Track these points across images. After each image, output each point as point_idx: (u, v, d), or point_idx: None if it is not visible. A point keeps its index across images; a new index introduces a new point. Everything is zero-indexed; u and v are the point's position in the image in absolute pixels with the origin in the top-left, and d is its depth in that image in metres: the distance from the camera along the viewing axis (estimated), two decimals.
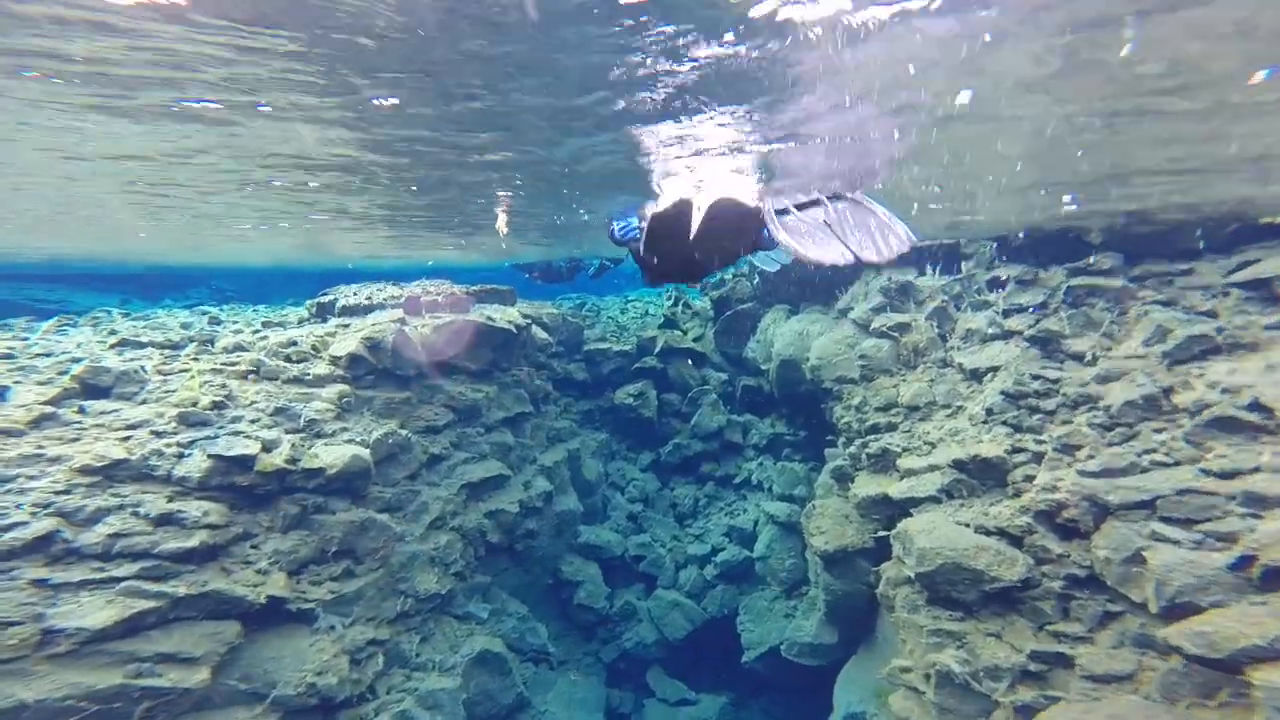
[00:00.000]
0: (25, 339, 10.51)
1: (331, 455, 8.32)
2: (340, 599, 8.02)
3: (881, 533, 8.51)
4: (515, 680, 9.97)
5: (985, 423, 7.84)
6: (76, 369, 8.35)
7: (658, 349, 15.90)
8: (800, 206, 4.49)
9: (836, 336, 12.53)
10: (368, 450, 8.91)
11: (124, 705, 6.14)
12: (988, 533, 6.61)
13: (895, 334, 10.29)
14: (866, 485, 9.00)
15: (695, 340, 16.99)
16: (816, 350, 12.66)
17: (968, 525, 6.82)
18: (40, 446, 7.30)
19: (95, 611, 6.22)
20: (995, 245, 10.21)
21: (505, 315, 12.56)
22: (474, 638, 9.83)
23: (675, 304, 18.95)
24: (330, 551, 8.14)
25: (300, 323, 11.17)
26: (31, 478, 7.03)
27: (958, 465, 7.57)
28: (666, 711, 11.54)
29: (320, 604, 7.75)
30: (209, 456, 7.44)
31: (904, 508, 8.11)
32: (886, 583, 7.95)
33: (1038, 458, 6.94)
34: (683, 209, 4.09)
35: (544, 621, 12.50)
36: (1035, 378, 7.63)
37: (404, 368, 10.51)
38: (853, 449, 9.76)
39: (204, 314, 11.97)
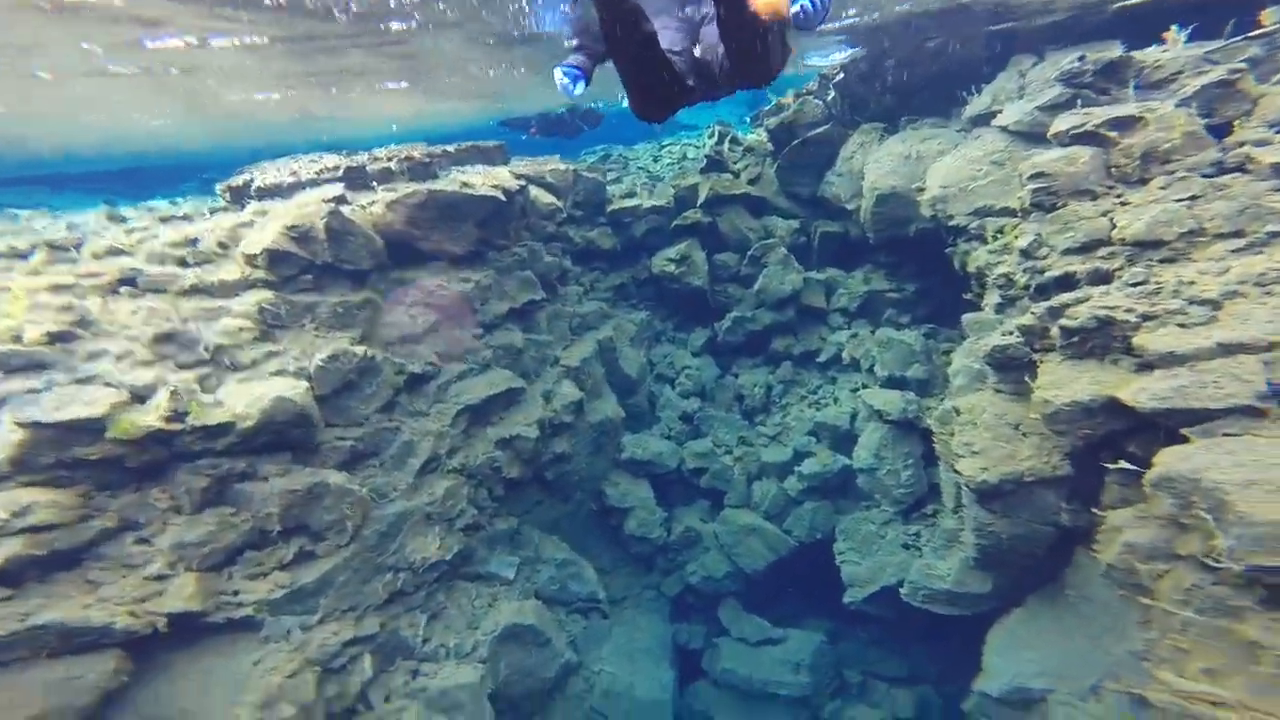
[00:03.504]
0: None
1: (243, 401, 5.50)
2: (297, 593, 5.63)
3: (1113, 465, 5.29)
4: (557, 648, 7.84)
5: None
6: None
7: (702, 199, 12.10)
8: None
9: (972, 154, 8.53)
10: (306, 384, 6.07)
11: None
12: None
13: (1109, 134, 6.27)
14: (1066, 380, 5.65)
15: (751, 183, 13.00)
16: (940, 175, 8.74)
17: None
18: None
19: None
20: None
21: (489, 179, 8.98)
22: (499, 605, 7.57)
23: (720, 141, 14.68)
24: (273, 532, 5.62)
25: (212, 214, 7.92)
26: None
27: None
28: (746, 653, 9.48)
29: (265, 605, 5.37)
30: (21, 425, 4.71)
31: (1160, 423, 4.81)
32: (1128, 551, 4.90)
33: None
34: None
35: (595, 554, 10.31)
36: None
37: (356, 260, 7.35)
38: (1028, 318, 6.28)
39: (107, 209, 8.79)
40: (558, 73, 3.99)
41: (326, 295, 7.01)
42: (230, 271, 6.41)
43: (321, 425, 6.20)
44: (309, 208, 6.86)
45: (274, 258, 6.59)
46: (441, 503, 7.27)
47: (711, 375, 11.92)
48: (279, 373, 5.99)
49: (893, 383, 9.51)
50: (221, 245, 6.72)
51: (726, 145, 14.34)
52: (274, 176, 7.87)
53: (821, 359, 11.19)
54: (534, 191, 10.13)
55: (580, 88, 3.86)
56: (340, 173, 7.94)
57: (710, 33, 3.37)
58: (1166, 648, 4.53)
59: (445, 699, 6.39)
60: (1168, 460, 4.49)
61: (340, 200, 7.24)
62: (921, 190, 9.29)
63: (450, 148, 9.64)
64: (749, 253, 11.79)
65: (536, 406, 8.89)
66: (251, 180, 7.98)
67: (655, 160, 17.14)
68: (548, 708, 8.14)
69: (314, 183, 7.77)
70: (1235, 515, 3.85)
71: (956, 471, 6.68)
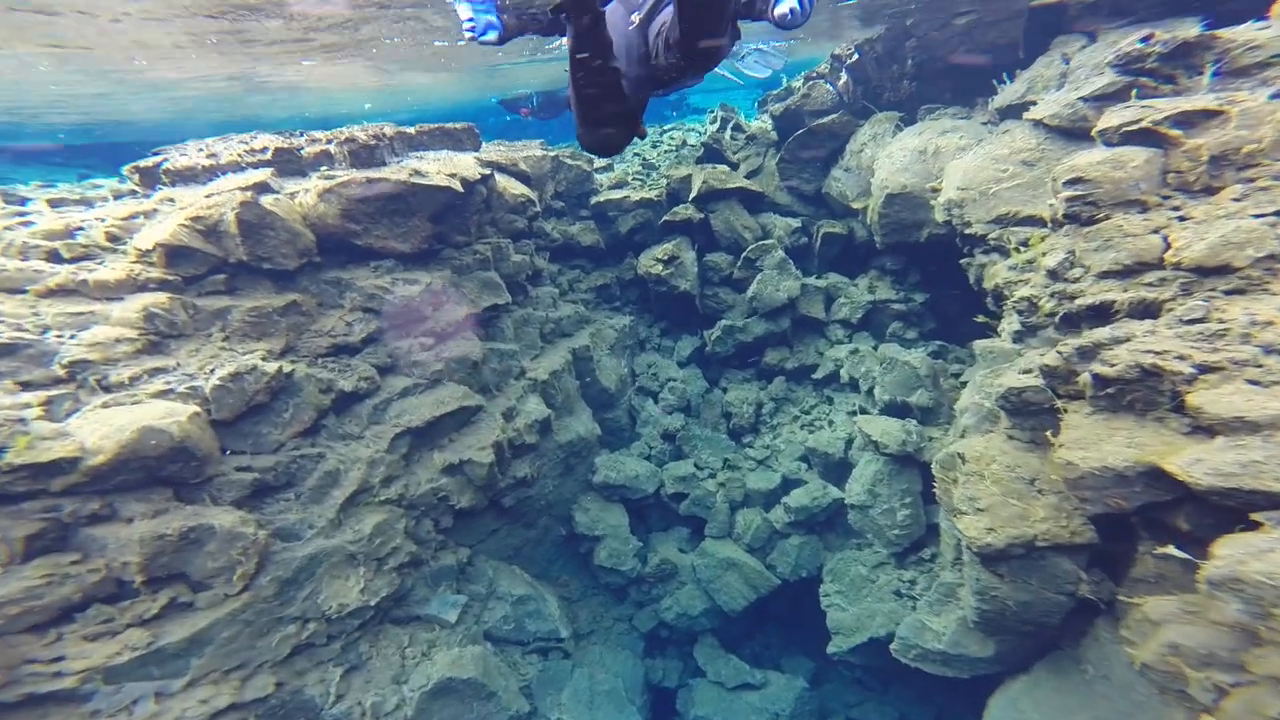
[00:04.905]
0: None
1: (99, 433, 4.63)
2: (155, 655, 4.78)
3: (1159, 550, 4.28)
4: (504, 700, 7.01)
5: None
6: None
7: (694, 193, 11.03)
8: None
9: (998, 151, 7.41)
10: (194, 409, 5.20)
11: None
12: None
13: (1172, 132, 5.15)
14: (1096, 439, 4.62)
15: (750, 175, 11.91)
16: (959, 175, 7.63)
17: None
18: None
19: None
20: None
21: (449, 166, 8.01)
22: (435, 654, 6.73)
23: (721, 127, 13.58)
24: (133, 584, 4.78)
25: (117, 199, 7.04)
26: None
27: None
28: (722, 698, 8.62)
29: (101, 672, 4.51)
30: None
31: (1218, 502, 3.79)
32: (1172, 652, 3.93)
33: None
34: None
35: (562, 581, 9.48)
36: None
37: (277, 258, 6.45)
38: (1052, 357, 5.22)
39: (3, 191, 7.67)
40: (466, 7, 3.40)
41: (240, 299, 6.13)
42: (114, 270, 5.53)
43: (215, 456, 5.35)
44: (220, 196, 5.96)
45: (172, 254, 5.71)
46: (369, 540, 6.41)
47: (698, 389, 10.94)
48: (164, 393, 5.12)
49: (893, 409, 8.47)
50: (112, 238, 5.84)
51: (728, 133, 13.24)
52: (190, 158, 6.95)
53: (818, 375, 10.17)
54: (501, 182, 9.14)
55: (491, 37, 3.44)
56: (269, 156, 7.00)
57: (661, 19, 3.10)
58: (1154, 709, 3.58)
59: None
60: (1234, 555, 3.49)
61: (261, 188, 6.33)
62: (936, 191, 8.19)
63: (410, 129, 8.68)
64: (743, 254, 10.74)
65: (494, 427, 7.97)
66: (164, 161, 7.05)
67: (654, 146, 16.04)
68: None
69: (236, 167, 6.85)
70: None
71: (964, 537, 5.68)
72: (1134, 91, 5.76)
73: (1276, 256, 4.27)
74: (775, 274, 10.42)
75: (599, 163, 13.83)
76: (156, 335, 5.52)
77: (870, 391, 9.09)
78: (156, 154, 7.32)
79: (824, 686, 9.36)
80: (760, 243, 10.65)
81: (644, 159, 14.84)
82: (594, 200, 11.65)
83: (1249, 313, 4.17)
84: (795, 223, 11.12)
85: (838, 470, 8.92)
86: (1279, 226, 4.32)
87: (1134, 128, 5.20)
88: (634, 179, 13.34)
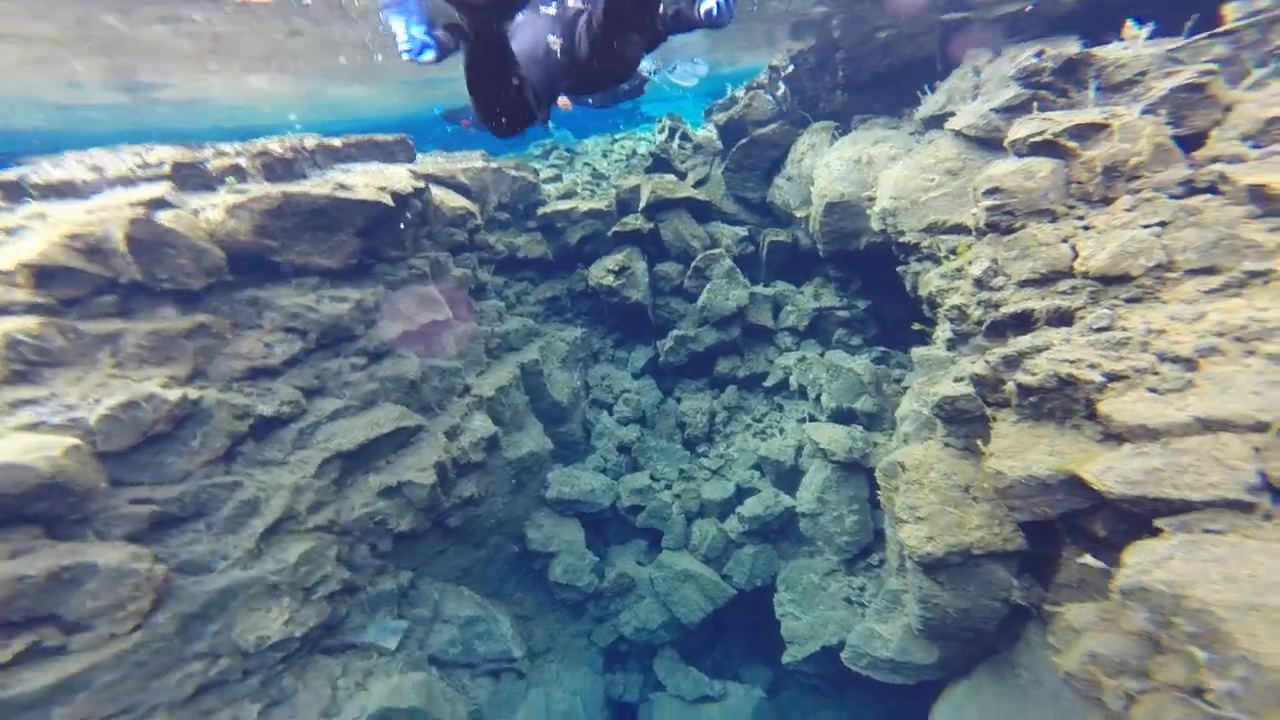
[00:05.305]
0: None
1: None
2: (8, 706, 4.41)
3: (1079, 559, 4.32)
4: None
5: None
6: None
7: (643, 203, 10.96)
8: None
9: (924, 160, 7.53)
10: (74, 440, 4.84)
11: None
12: None
13: (1069, 144, 5.28)
14: (1021, 448, 4.67)
15: (697, 185, 11.92)
16: (891, 184, 7.74)
17: None
18: None
19: None
20: None
21: (378, 179, 7.74)
22: (372, 683, 6.43)
23: (670, 136, 13.60)
24: None
25: None
26: None
27: None
28: (683, 711, 8.52)
29: None
30: None
31: (1128, 510, 3.85)
32: (1090, 661, 3.96)
33: None
34: None
35: (516, 599, 9.23)
36: None
37: (180, 277, 6.09)
38: (981, 366, 5.28)
39: None
40: (401, 25, 3.29)
41: (136, 322, 5.76)
42: None
43: (101, 490, 4.99)
44: (106, 212, 5.58)
45: (43, 275, 5.31)
46: (295, 569, 6.10)
47: (653, 400, 10.84)
48: (33, 426, 4.75)
49: (840, 415, 8.52)
50: None
51: (676, 142, 13.25)
52: (67, 171, 6.47)
53: (768, 383, 10.18)
54: (439, 194, 8.90)
55: (429, 57, 3.32)
56: (167, 170, 6.59)
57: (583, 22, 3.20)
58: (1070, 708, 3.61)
59: None
60: (1140, 563, 3.53)
61: (158, 204, 5.95)
62: (872, 200, 8.29)
63: (335, 141, 8.37)
64: (693, 264, 10.70)
65: (436, 446, 7.71)
66: (27, 175, 6.52)
67: (604, 156, 15.95)
68: None
69: (127, 181, 6.43)
70: (1236, 653, 2.89)
71: (904, 546, 5.70)
72: (1035, 104, 5.93)
73: (1163, 266, 4.40)
74: (724, 283, 10.42)
75: (545, 173, 13.67)
76: (23, 364, 5.13)
77: (818, 398, 9.13)
78: (19, 165, 6.76)
79: (782, 695, 9.34)
80: (709, 252, 10.64)
81: (594, 169, 14.74)
82: (541, 211, 11.48)
83: (1146, 321, 4.27)
84: (742, 231, 11.16)
85: (790, 478, 8.92)
86: (1163, 236, 4.46)
87: (1039, 139, 5.33)
88: (583, 189, 13.21)
